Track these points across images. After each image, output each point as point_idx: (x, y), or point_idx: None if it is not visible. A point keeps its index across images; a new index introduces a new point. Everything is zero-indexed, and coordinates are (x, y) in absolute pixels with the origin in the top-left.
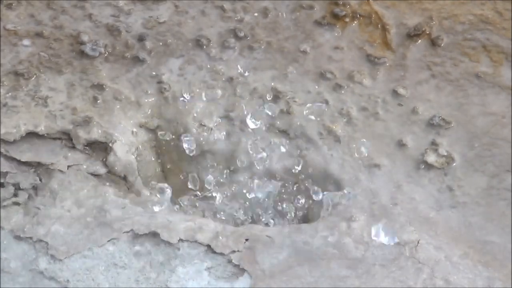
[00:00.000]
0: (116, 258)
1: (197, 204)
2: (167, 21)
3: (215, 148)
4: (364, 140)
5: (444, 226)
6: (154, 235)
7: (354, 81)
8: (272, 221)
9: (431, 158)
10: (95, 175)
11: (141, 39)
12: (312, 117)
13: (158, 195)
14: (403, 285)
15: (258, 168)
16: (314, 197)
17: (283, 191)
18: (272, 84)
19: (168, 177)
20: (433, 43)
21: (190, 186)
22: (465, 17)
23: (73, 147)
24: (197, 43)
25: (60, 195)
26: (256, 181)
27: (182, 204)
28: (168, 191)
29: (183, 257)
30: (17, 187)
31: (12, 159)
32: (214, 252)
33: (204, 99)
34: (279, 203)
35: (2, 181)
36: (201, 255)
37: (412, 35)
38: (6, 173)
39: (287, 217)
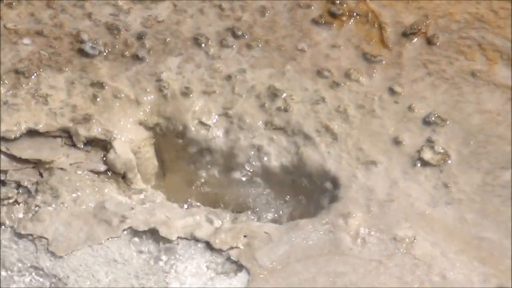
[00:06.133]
0: (116, 255)
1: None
2: (165, 19)
3: (213, 145)
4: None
5: (440, 223)
6: (153, 231)
7: (351, 79)
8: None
9: (427, 155)
10: (95, 172)
11: (140, 37)
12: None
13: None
14: (400, 281)
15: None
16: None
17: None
18: (270, 82)
19: (167, 174)
20: (429, 41)
21: None
22: (460, 15)
23: (73, 145)
24: (195, 41)
25: (60, 192)
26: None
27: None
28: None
29: (182, 254)
30: (17, 184)
31: (13, 156)
32: (213, 249)
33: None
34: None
35: (2, 178)
36: (200, 251)
37: (408, 33)
38: (7, 170)
39: (285, 214)
